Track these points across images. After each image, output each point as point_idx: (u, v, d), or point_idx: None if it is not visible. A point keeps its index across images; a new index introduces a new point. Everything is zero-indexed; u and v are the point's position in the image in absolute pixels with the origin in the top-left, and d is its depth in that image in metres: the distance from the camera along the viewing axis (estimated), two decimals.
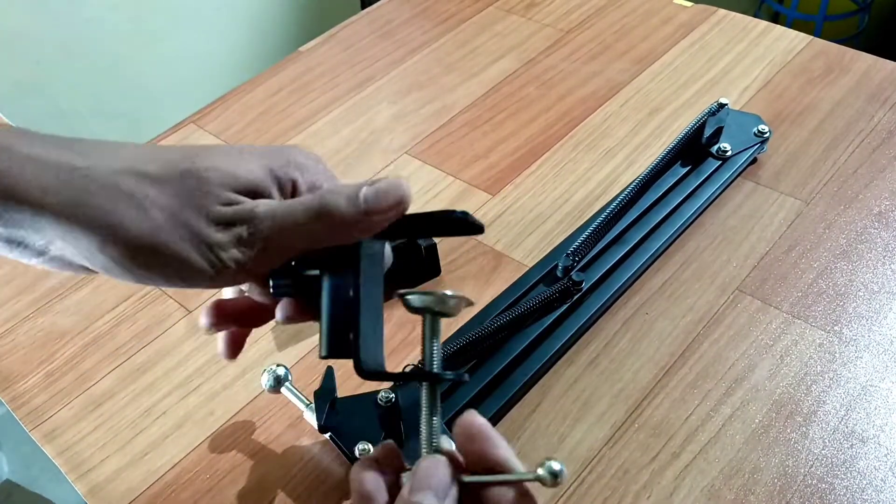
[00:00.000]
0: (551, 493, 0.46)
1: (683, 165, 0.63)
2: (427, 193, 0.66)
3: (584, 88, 0.76)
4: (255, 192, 0.33)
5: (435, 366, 0.33)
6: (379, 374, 0.33)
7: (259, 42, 1.63)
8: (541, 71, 0.78)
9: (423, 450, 0.32)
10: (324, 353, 0.33)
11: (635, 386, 0.51)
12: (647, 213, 0.60)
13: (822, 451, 0.47)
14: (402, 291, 0.33)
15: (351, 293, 0.33)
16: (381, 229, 0.33)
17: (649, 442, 0.48)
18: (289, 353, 0.55)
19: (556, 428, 0.49)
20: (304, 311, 0.35)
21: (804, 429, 0.48)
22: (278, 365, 0.49)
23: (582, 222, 0.62)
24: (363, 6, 1.66)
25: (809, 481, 0.46)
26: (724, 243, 0.60)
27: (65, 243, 0.31)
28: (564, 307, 0.54)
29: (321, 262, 0.34)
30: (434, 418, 0.33)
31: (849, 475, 0.46)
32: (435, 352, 0.33)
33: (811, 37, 0.79)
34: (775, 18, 1.97)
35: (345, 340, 0.33)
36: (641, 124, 0.71)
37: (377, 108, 0.76)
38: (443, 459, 0.31)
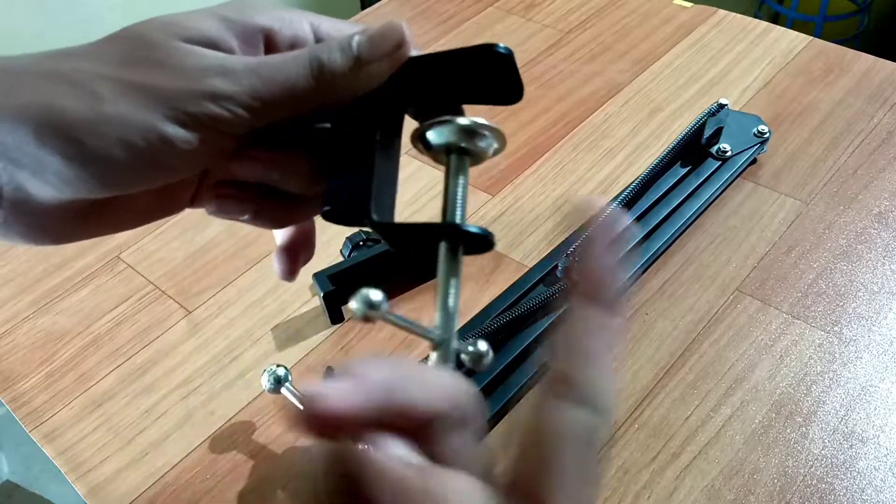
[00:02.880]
0: None
1: (683, 166, 0.63)
2: (427, 193, 0.66)
3: (584, 89, 0.76)
4: (214, 46, 0.27)
5: (458, 216, 0.26)
6: (389, 227, 0.27)
7: None
8: (541, 71, 0.78)
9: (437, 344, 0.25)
10: (326, 206, 0.27)
11: (635, 386, 0.51)
12: (647, 213, 0.60)
13: (822, 452, 0.47)
14: (420, 126, 0.27)
15: (361, 148, 0.28)
16: (382, 81, 0.28)
17: (649, 442, 0.48)
18: (289, 353, 0.55)
19: None
20: (313, 173, 0.29)
21: (804, 429, 0.48)
22: (278, 365, 0.49)
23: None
24: (363, 7, 1.66)
25: (809, 481, 0.46)
26: (724, 243, 0.60)
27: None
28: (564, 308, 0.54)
29: (330, 115, 0.29)
30: (450, 294, 0.25)
31: (849, 475, 0.46)
32: (459, 199, 0.26)
33: (811, 37, 0.79)
34: (775, 19, 1.97)
35: (353, 195, 0.27)
36: (641, 125, 0.71)
37: None
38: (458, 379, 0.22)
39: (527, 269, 0.58)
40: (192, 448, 0.50)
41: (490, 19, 0.86)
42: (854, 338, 0.53)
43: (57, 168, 0.24)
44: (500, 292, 0.56)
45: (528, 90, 0.76)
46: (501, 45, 0.26)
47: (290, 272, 0.33)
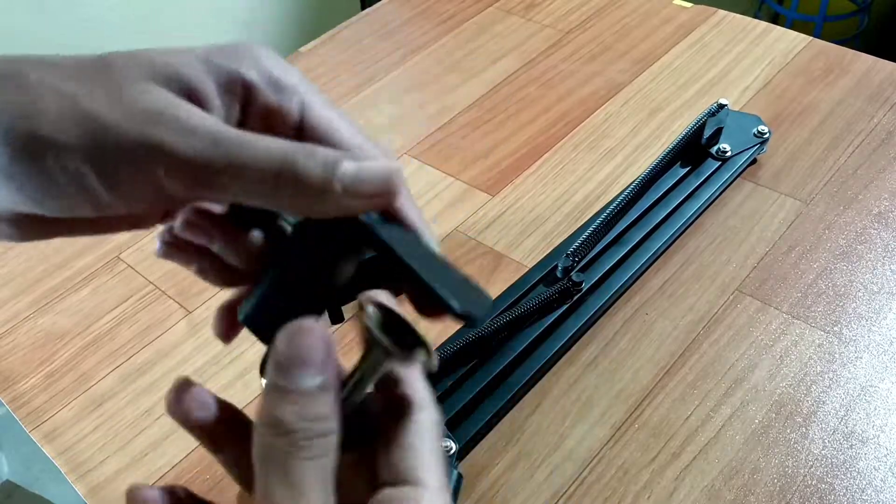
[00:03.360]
0: (550, 494, 0.46)
1: (683, 166, 0.63)
2: (427, 194, 0.66)
3: (584, 89, 0.76)
4: (187, 91, 0.24)
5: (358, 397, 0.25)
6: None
7: (259, 42, 1.63)
8: (541, 71, 0.78)
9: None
10: (243, 317, 0.26)
11: (635, 386, 0.51)
12: (647, 213, 0.60)
13: (822, 452, 0.47)
14: (368, 296, 0.25)
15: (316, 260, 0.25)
16: (348, 214, 0.24)
17: (649, 442, 0.48)
18: None
19: (556, 428, 0.49)
20: (257, 255, 0.27)
21: (804, 429, 0.48)
22: None
23: (582, 223, 0.62)
24: (363, 7, 1.66)
25: (809, 482, 0.46)
26: (724, 243, 0.60)
27: None
28: (564, 308, 0.54)
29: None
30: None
31: (849, 475, 0.46)
32: (364, 389, 0.25)
33: (811, 37, 0.79)
34: (775, 19, 1.97)
35: (281, 313, 0.24)
36: (641, 125, 0.71)
37: (377, 108, 0.76)
38: (310, 322, 0.23)
39: (527, 270, 0.58)
40: (192, 448, 0.50)
41: (490, 19, 0.86)
42: (854, 338, 0.53)
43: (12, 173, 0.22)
44: (500, 292, 0.56)
45: (529, 90, 0.76)
46: (471, 312, 0.23)
47: (226, 335, 0.30)
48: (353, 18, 0.89)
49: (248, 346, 0.56)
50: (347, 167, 0.23)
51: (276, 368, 0.22)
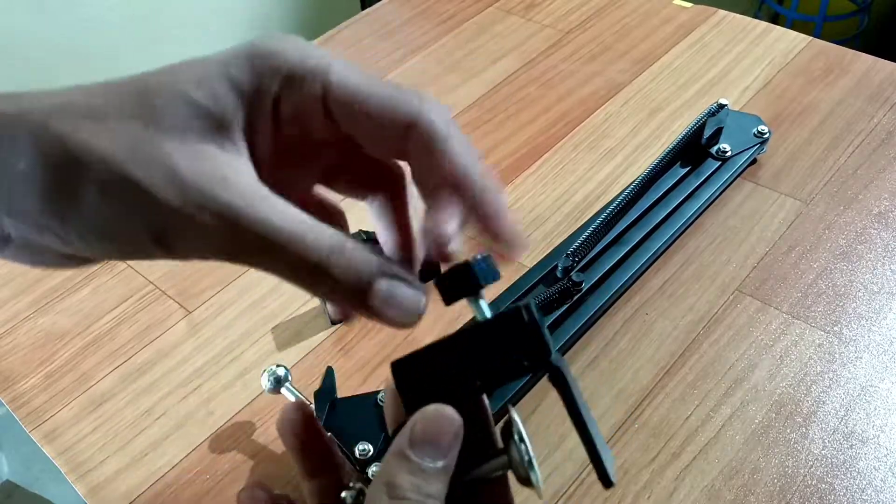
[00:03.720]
0: (550, 494, 0.46)
1: (683, 166, 0.63)
2: None
3: (584, 89, 0.76)
4: (215, 121, 0.24)
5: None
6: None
7: (270, 35, 1.63)
8: (541, 71, 0.78)
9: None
10: (395, 361, 0.27)
11: (635, 386, 0.51)
12: (647, 213, 0.60)
13: (822, 452, 0.47)
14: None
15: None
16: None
17: (649, 442, 0.48)
18: (289, 353, 0.55)
19: (556, 428, 0.49)
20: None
21: (804, 429, 0.48)
22: (278, 365, 0.49)
23: (582, 223, 0.62)
24: (363, 7, 1.66)
25: (809, 481, 0.46)
26: (724, 243, 0.60)
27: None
28: (564, 307, 0.54)
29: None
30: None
31: (849, 475, 0.46)
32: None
33: (811, 37, 0.79)
34: (775, 19, 1.97)
35: (429, 381, 0.26)
36: (641, 125, 0.71)
37: None
38: (451, 412, 0.25)
39: (527, 269, 0.58)
40: (192, 448, 0.50)
41: (490, 19, 0.86)
42: (854, 338, 0.53)
43: (56, 233, 0.23)
44: (500, 293, 0.56)
45: (529, 90, 0.76)
46: (613, 481, 0.26)
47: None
48: (353, 18, 0.89)
49: (248, 347, 0.56)
50: (380, 287, 0.24)
51: (409, 441, 0.25)
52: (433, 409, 0.25)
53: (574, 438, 0.49)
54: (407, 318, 0.25)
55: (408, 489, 0.24)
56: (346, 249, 0.24)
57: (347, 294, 0.24)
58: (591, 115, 0.73)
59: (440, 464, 0.25)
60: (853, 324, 0.54)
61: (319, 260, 0.23)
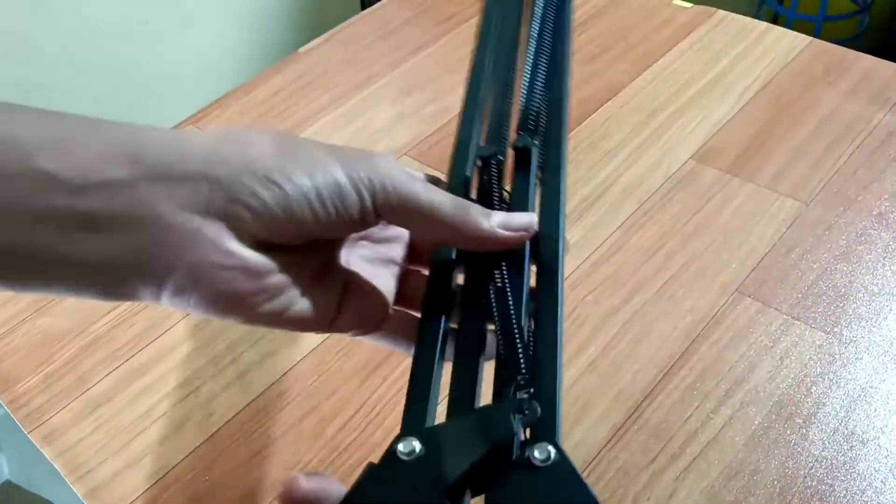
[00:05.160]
0: None
1: None
2: None
3: (584, 89, 0.76)
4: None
5: None
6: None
7: (259, 42, 1.63)
8: None
9: None
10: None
11: (635, 387, 0.51)
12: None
13: (822, 453, 0.47)
14: None
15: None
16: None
17: (649, 444, 0.48)
18: (288, 354, 0.55)
19: None
20: None
21: (804, 430, 0.48)
22: None
23: (582, 223, 0.62)
24: (363, 6, 1.66)
25: (809, 483, 0.46)
26: (724, 244, 0.60)
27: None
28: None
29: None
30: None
31: (849, 477, 0.46)
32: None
33: (811, 38, 0.79)
34: (775, 19, 1.97)
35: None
36: (642, 125, 0.71)
37: (377, 108, 0.76)
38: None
39: None
40: (192, 450, 0.50)
41: None
42: (854, 339, 0.53)
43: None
44: None
45: None
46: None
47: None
48: (353, 18, 0.88)
49: (248, 347, 0.56)
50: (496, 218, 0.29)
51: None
52: None
53: (574, 439, 0.49)
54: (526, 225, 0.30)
55: None
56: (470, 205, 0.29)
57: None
58: (591, 115, 0.73)
59: None
60: (853, 325, 0.54)
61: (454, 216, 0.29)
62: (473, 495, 0.24)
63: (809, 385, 0.51)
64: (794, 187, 0.64)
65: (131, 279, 0.25)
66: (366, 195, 0.27)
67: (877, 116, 0.70)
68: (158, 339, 0.57)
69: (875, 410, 0.49)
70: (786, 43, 0.79)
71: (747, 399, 0.50)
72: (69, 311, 0.60)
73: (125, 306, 0.60)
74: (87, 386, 0.55)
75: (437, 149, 0.71)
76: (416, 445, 0.23)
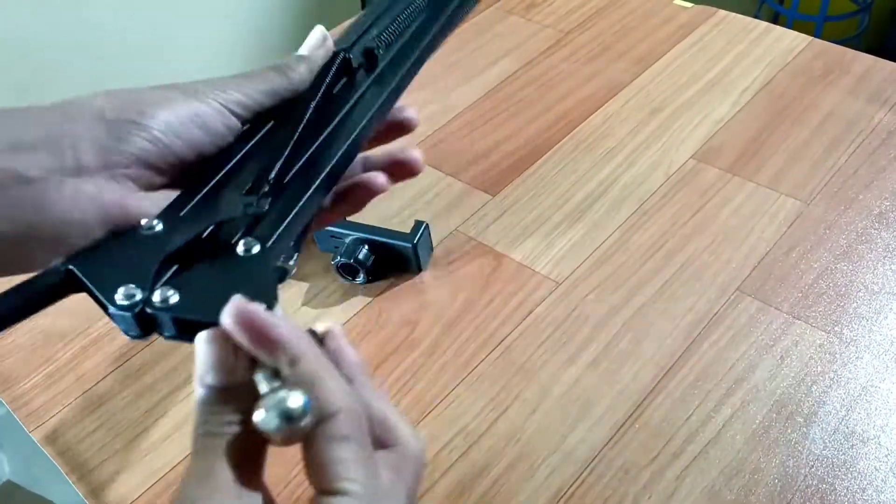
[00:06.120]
0: (550, 494, 0.46)
1: None
2: (427, 194, 0.66)
3: (585, 89, 0.76)
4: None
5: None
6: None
7: (259, 42, 1.63)
8: (541, 72, 0.78)
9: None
10: None
11: (635, 386, 0.51)
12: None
13: (823, 452, 0.47)
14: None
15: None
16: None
17: (649, 442, 0.48)
18: None
19: (557, 428, 0.49)
20: None
21: (804, 429, 0.48)
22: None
23: (582, 223, 0.62)
24: (363, 6, 1.66)
25: (810, 482, 0.46)
26: (724, 243, 0.60)
27: None
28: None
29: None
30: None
31: (849, 475, 0.46)
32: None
33: (811, 37, 0.79)
34: (775, 19, 1.97)
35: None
36: (641, 125, 0.71)
37: None
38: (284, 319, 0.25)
39: (527, 269, 0.58)
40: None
41: (490, 19, 0.86)
42: (854, 338, 0.53)
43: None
44: (500, 293, 0.56)
45: (528, 90, 0.76)
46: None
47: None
48: (353, 18, 0.88)
49: None
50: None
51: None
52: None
53: (574, 438, 0.49)
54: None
55: None
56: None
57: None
58: (591, 115, 0.73)
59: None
60: (854, 324, 0.54)
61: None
62: (182, 272, 0.27)
63: (810, 384, 0.51)
64: (795, 187, 0.64)
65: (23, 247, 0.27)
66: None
67: (877, 116, 0.70)
68: (158, 338, 0.57)
69: (875, 409, 0.49)
70: (786, 43, 0.79)
71: (748, 398, 0.50)
72: (70, 310, 0.60)
73: None
74: (89, 385, 0.55)
75: (437, 149, 0.71)
76: (158, 224, 0.27)
